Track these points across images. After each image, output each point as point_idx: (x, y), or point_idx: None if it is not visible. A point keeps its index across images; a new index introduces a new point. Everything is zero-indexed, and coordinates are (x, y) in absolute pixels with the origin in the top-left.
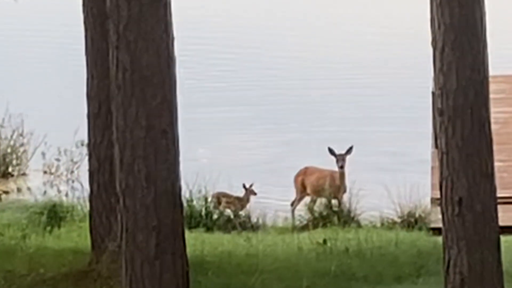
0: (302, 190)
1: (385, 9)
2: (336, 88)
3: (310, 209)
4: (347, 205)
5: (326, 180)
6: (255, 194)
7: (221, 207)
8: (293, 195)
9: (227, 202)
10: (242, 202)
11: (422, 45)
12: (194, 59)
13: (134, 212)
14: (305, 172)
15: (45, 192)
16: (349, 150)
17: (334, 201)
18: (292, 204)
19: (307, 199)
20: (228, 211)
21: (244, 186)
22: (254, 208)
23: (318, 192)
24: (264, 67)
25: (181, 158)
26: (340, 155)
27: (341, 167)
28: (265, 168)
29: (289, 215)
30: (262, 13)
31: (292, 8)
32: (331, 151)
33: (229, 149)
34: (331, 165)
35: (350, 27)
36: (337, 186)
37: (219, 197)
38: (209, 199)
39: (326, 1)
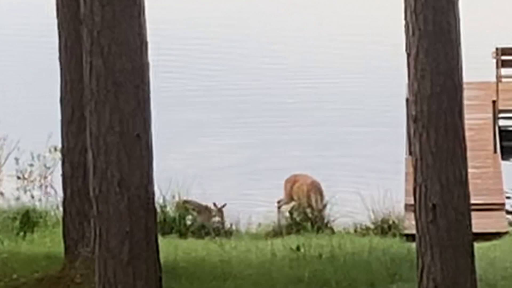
0: (289, 196)
1: (363, 13)
2: (314, 90)
3: (291, 215)
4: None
5: (308, 186)
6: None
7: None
8: (270, 198)
9: (194, 210)
10: (210, 213)
11: (400, 51)
12: (169, 62)
13: (107, 218)
14: (294, 178)
15: (18, 197)
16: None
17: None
18: (279, 207)
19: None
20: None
21: (214, 204)
22: (232, 213)
23: (300, 198)
24: (240, 70)
25: (154, 164)
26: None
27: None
28: (241, 171)
29: (262, 221)
30: (238, 16)
31: (270, 11)
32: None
33: (203, 152)
34: (309, 164)
35: (329, 30)
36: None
37: (185, 204)
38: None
39: (305, 4)
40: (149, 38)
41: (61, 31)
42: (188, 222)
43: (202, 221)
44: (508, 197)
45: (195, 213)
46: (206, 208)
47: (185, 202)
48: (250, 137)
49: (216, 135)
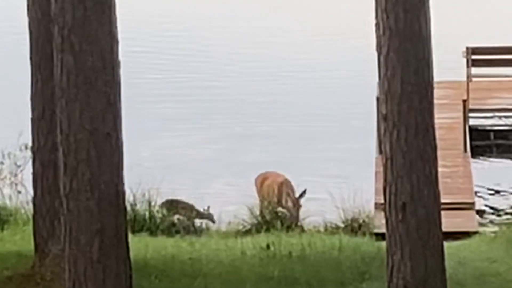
0: (261, 194)
1: (334, 12)
2: (282, 87)
3: (261, 213)
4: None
5: (278, 184)
6: (213, 221)
7: (174, 214)
8: (240, 196)
9: (182, 208)
10: (198, 214)
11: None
12: (137, 58)
13: (78, 216)
14: (264, 176)
15: None
16: (302, 194)
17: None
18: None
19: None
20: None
21: (203, 209)
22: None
23: (270, 196)
24: (212, 65)
25: (125, 161)
26: (295, 198)
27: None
28: (211, 167)
29: (232, 219)
30: (212, 11)
31: (246, 6)
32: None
33: (171, 147)
34: (279, 157)
35: (301, 27)
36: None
37: (172, 204)
38: (155, 204)
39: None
40: (120, 35)
41: (32, 29)
42: (158, 220)
43: (189, 221)
44: (480, 197)
45: (182, 213)
46: (192, 207)
47: (173, 201)
48: (218, 132)
49: (185, 130)
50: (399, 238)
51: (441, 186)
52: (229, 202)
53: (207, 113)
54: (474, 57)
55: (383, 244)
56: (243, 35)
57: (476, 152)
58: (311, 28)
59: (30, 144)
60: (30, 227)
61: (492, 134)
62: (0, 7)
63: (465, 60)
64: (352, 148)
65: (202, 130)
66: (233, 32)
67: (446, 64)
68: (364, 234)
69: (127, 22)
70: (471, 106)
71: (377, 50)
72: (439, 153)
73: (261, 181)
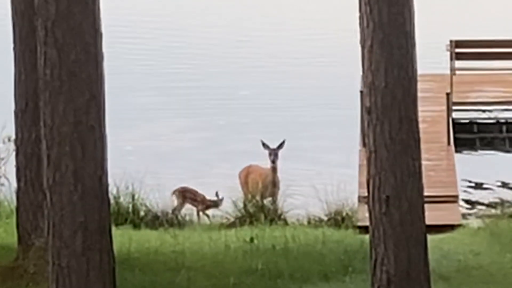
0: (245, 188)
1: (316, 4)
2: (264, 80)
3: (245, 206)
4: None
5: (262, 178)
6: (217, 205)
7: (185, 204)
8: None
9: (192, 199)
10: (207, 204)
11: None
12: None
13: (61, 209)
14: (248, 169)
15: None
16: (281, 145)
17: (269, 199)
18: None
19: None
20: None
21: (216, 194)
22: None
23: (254, 190)
24: (193, 55)
25: (108, 153)
26: (273, 149)
27: (273, 162)
28: (194, 156)
29: (216, 212)
30: (196, 1)
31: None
32: (264, 144)
33: (154, 136)
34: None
35: (282, 20)
36: (271, 182)
37: (184, 193)
38: (138, 197)
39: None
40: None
41: (15, 21)
42: (142, 213)
43: (200, 211)
44: (465, 191)
45: (195, 203)
46: (204, 198)
47: (184, 190)
48: (201, 121)
49: (167, 118)
50: (383, 231)
51: (424, 179)
52: (212, 194)
53: (191, 104)
54: (457, 50)
55: (367, 237)
56: (227, 27)
57: (460, 145)
58: (296, 22)
59: (13, 136)
60: (13, 220)
61: (475, 127)
62: None
63: (448, 53)
64: (336, 141)
65: (183, 118)
66: (217, 24)
67: (430, 57)
68: (347, 227)
69: (110, 10)
70: (454, 99)
71: (360, 43)
72: (422, 146)
73: (245, 174)
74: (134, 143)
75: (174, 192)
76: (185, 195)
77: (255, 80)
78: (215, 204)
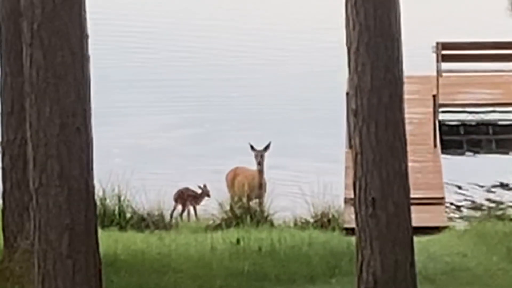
0: (232, 190)
1: (300, 5)
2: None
3: (231, 208)
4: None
5: (249, 180)
6: (208, 196)
7: (185, 204)
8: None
9: (191, 196)
10: (198, 197)
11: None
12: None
13: (47, 211)
14: (235, 171)
15: None
16: (267, 146)
17: (255, 201)
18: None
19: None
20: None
21: (199, 187)
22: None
23: (241, 192)
24: (179, 54)
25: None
26: (259, 151)
27: (259, 163)
28: (178, 154)
29: (202, 214)
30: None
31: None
32: (251, 147)
33: (138, 134)
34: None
35: (266, 21)
36: (257, 183)
37: (183, 193)
38: (124, 199)
39: None
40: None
41: (1, 23)
42: (128, 215)
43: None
44: (453, 192)
45: (193, 202)
46: (201, 194)
47: (185, 190)
48: (187, 118)
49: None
50: (369, 233)
51: (411, 181)
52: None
53: (173, 101)
54: (444, 52)
55: (353, 239)
56: (212, 26)
57: (446, 147)
58: (282, 22)
59: None
60: None
61: (462, 129)
62: None
63: (435, 55)
64: (322, 142)
65: (165, 115)
66: (204, 22)
67: (416, 59)
68: (333, 229)
69: (93, 8)
70: (441, 101)
71: (347, 45)
72: (409, 148)
73: (232, 176)
74: (119, 141)
75: (175, 199)
76: (183, 197)
77: (244, 77)
78: (206, 193)
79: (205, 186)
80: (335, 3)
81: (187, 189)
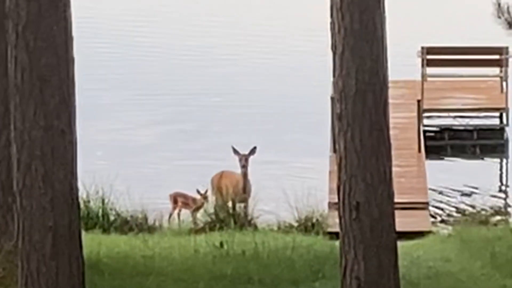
0: (218, 193)
1: (284, 11)
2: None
3: (215, 211)
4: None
5: (233, 184)
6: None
7: (178, 208)
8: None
9: (183, 203)
10: (197, 204)
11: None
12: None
13: (31, 212)
14: (221, 175)
15: None
16: (252, 151)
17: (240, 205)
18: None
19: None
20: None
21: (198, 192)
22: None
23: (226, 195)
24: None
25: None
26: (243, 155)
27: (243, 167)
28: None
29: (186, 217)
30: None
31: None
32: (234, 150)
33: (119, 131)
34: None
35: (253, 28)
36: (241, 187)
37: (176, 197)
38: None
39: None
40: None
41: None
42: (112, 218)
43: (192, 213)
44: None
45: (186, 207)
46: (194, 200)
47: (177, 195)
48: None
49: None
50: (353, 237)
51: (395, 186)
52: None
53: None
54: (429, 57)
55: (337, 243)
56: (200, 25)
57: (430, 152)
58: (271, 26)
59: None
60: None
61: (446, 134)
62: None
63: (420, 59)
64: (306, 146)
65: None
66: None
67: (401, 64)
68: (317, 233)
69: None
70: (425, 106)
71: (332, 49)
72: (393, 152)
73: (218, 180)
74: (102, 137)
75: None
76: (177, 199)
77: (225, 76)
78: (205, 198)
79: (206, 192)
80: (321, 7)
81: (185, 196)
